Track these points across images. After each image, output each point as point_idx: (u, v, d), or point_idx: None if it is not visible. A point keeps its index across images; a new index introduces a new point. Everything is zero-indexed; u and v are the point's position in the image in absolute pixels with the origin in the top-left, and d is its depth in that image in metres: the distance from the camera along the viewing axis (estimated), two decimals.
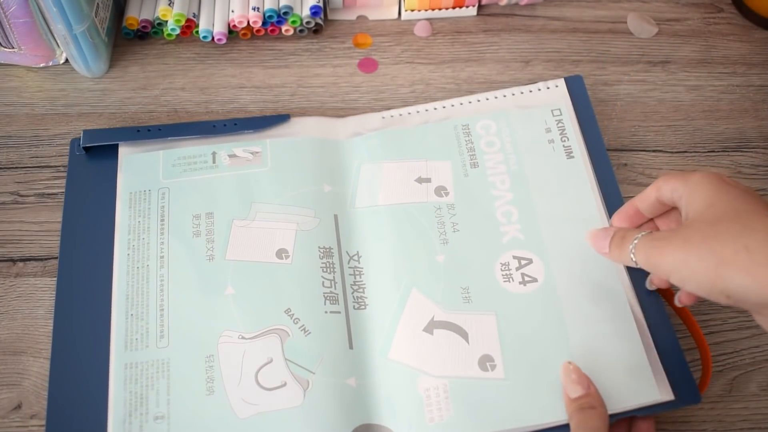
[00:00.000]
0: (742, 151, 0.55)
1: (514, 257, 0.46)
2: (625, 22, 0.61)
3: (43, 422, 0.43)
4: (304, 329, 0.44)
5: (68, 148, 0.53)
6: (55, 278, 0.47)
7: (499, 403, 0.41)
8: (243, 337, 0.43)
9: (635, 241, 0.39)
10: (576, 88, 0.54)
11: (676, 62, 0.59)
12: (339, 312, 0.45)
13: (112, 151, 0.50)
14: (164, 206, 0.48)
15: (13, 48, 0.54)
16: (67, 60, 0.56)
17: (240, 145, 0.50)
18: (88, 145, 0.50)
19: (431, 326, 0.44)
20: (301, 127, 0.52)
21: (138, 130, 0.51)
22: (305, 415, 0.41)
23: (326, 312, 0.45)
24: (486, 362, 0.43)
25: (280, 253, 0.46)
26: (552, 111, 0.52)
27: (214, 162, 0.50)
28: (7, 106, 0.55)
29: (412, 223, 0.48)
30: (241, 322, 0.44)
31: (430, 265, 0.46)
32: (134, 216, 0.48)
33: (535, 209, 0.48)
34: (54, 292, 0.47)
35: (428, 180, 0.49)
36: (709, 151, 0.55)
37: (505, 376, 0.42)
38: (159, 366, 0.43)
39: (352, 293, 0.46)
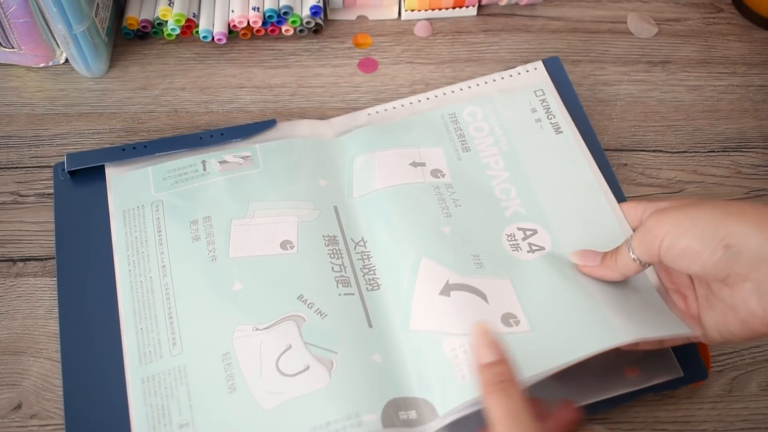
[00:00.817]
0: (742, 151, 0.55)
1: (519, 229, 0.46)
2: (625, 22, 0.61)
3: (44, 422, 0.43)
4: (319, 312, 0.43)
5: (68, 148, 0.53)
6: (55, 278, 0.47)
7: (529, 351, 0.40)
8: (257, 329, 0.43)
9: (632, 233, 0.39)
10: (555, 69, 0.54)
11: (676, 62, 0.59)
12: (353, 294, 0.44)
13: (98, 173, 0.49)
14: (159, 218, 0.47)
15: (13, 48, 0.54)
16: (67, 60, 0.56)
17: (230, 152, 0.50)
18: (72, 169, 0.49)
19: (447, 289, 0.43)
20: (288, 131, 0.52)
21: (123, 149, 0.50)
22: (334, 394, 0.40)
23: (340, 294, 0.44)
24: (509, 319, 0.42)
25: (285, 245, 0.46)
26: (535, 92, 0.52)
27: (204, 170, 0.49)
28: (7, 106, 0.55)
29: (413, 200, 0.47)
30: (252, 315, 0.43)
31: (437, 236, 0.45)
32: (130, 232, 0.47)
33: (532, 184, 0.48)
34: (54, 292, 0.47)
35: (423, 164, 0.49)
36: (709, 151, 0.55)
37: (531, 328, 0.41)
38: (176, 374, 0.42)
39: (364, 276, 0.45)
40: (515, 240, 0.46)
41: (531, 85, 0.53)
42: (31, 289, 0.47)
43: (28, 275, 0.48)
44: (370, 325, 0.43)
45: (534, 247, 0.45)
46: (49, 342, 0.45)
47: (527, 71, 0.54)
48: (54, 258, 0.48)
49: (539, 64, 0.54)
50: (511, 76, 0.54)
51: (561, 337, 0.41)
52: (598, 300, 0.41)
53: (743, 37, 0.61)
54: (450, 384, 0.40)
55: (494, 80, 0.54)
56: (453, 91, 0.54)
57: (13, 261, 0.48)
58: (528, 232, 0.46)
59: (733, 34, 0.61)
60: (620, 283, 0.43)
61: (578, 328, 0.40)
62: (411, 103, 0.53)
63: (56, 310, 0.46)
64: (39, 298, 0.47)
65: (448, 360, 0.40)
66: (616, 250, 0.41)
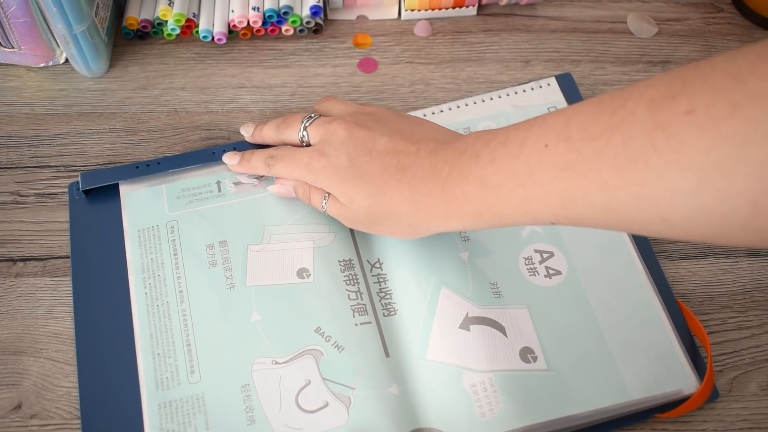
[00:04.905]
0: None
1: (536, 251, 0.47)
2: (625, 22, 0.61)
3: (44, 422, 0.43)
4: (337, 346, 0.43)
5: (68, 148, 0.53)
6: (56, 278, 0.47)
7: (546, 394, 0.41)
8: (276, 362, 0.43)
9: (324, 201, 0.45)
10: (567, 86, 0.55)
11: (676, 62, 0.59)
12: (370, 322, 0.44)
13: (112, 191, 0.49)
14: (175, 240, 0.47)
15: (13, 48, 0.54)
16: (67, 60, 0.56)
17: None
18: (87, 188, 0.49)
19: (467, 322, 0.44)
20: None
21: (137, 167, 0.50)
22: (353, 431, 0.41)
23: (357, 324, 0.44)
24: (527, 354, 0.43)
25: (301, 273, 0.46)
26: (548, 109, 0.53)
27: (219, 191, 0.49)
28: (7, 106, 0.55)
29: None
30: (272, 347, 0.43)
31: (455, 263, 0.46)
32: (146, 254, 0.47)
33: None
34: (54, 292, 0.47)
35: None
36: None
37: (548, 367, 0.42)
38: (194, 402, 0.42)
39: (380, 300, 0.45)
40: (532, 263, 0.46)
41: (544, 102, 0.53)
42: (31, 289, 0.47)
43: (28, 275, 0.48)
44: (387, 355, 0.43)
45: (551, 271, 0.46)
46: (49, 342, 0.45)
47: (540, 87, 0.54)
48: (54, 258, 0.48)
49: (552, 80, 0.55)
50: (524, 91, 0.54)
51: (574, 383, 0.42)
52: (610, 346, 0.43)
53: (743, 37, 0.61)
54: (469, 420, 0.41)
55: (507, 95, 0.54)
56: (467, 104, 0.54)
57: (13, 261, 0.48)
58: (545, 255, 0.46)
59: (733, 34, 0.61)
60: (632, 322, 0.44)
61: (590, 379, 0.42)
62: (425, 115, 0.53)
63: (56, 310, 0.46)
64: (39, 298, 0.47)
65: (467, 395, 0.41)
66: (308, 200, 0.47)
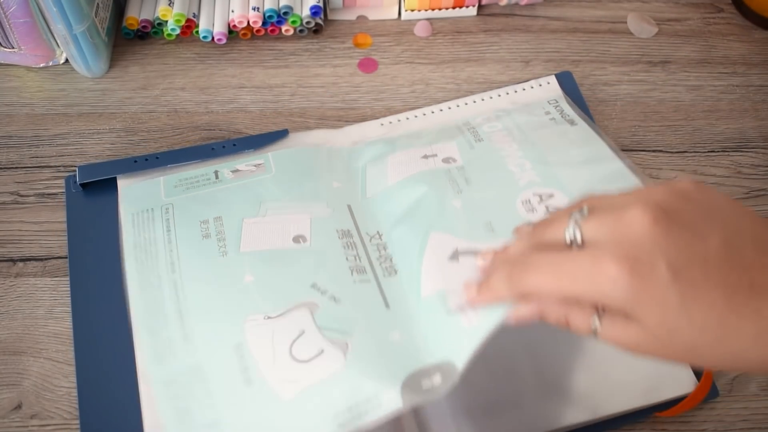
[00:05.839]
0: (742, 151, 0.55)
1: (535, 194, 0.45)
2: (625, 22, 0.61)
3: (44, 422, 0.43)
4: (333, 298, 0.42)
5: (68, 148, 0.53)
6: (55, 278, 0.47)
7: None
8: (269, 317, 0.41)
9: (596, 324, 0.32)
10: (567, 84, 0.55)
11: (676, 62, 0.59)
12: (369, 281, 0.43)
13: (110, 184, 0.49)
14: (169, 219, 0.46)
15: (13, 48, 0.54)
16: (67, 60, 0.56)
17: (242, 162, 0.50)
18: (84, 182, 0.49)
19: (456, 255, 0.42)
20: (300, 141, 0.51)
21: (135, 161, 0.49)
22: (351, 376, 0.39)
23: (355, 282, 0.43)
24: None
25: (297, 239, 0.45)
26: (549, 101, 0.53)
27: (217, 178, 0.49)
28: (7, 106, 0.55)
29: (424, 184, 0.46)
30: (264, 304, 0.42)
31: (447, 210, 0.45)
32: (139, 233, 0.46)
33: (548, 159, 0.47)
34: (54, 292, 0.47)
35: (434, 155, 0.49)
36: (709, 151, 0.55)
37: None
38: (192, 373, 0.40)
39: (381, 264, 0.44)
40: (531, 205, 0.44)
41: (545, 98, 0.53)
42: (31, 289, 0.47)
43: (28, 275, 0.48)
44: (387, 306, 0.42)
45: (551, 209, 0.44)
46: (49, 342, 0.45)
47: (540, 85, 0.54)
48: (54, 258, 0.48)
49: (552, 79, 0.55)
50: (524, 89, 0.54)
51: None
52: None
53: (743, 37, 0.61)
54: (459, 334, 0.38)
55: (507, 93, 0.54)
56: (466, 103, 0.54)
57: (13, 261, 0.48)
58: (544, 196, 0.45)
59: (733, 34, 0.61)
60: None
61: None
62: (425, 114, 0.53)
63: (56, 310, 0.46)
64: (39, 298, 0.47)
65: (455, 313, 0.39)
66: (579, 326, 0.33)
